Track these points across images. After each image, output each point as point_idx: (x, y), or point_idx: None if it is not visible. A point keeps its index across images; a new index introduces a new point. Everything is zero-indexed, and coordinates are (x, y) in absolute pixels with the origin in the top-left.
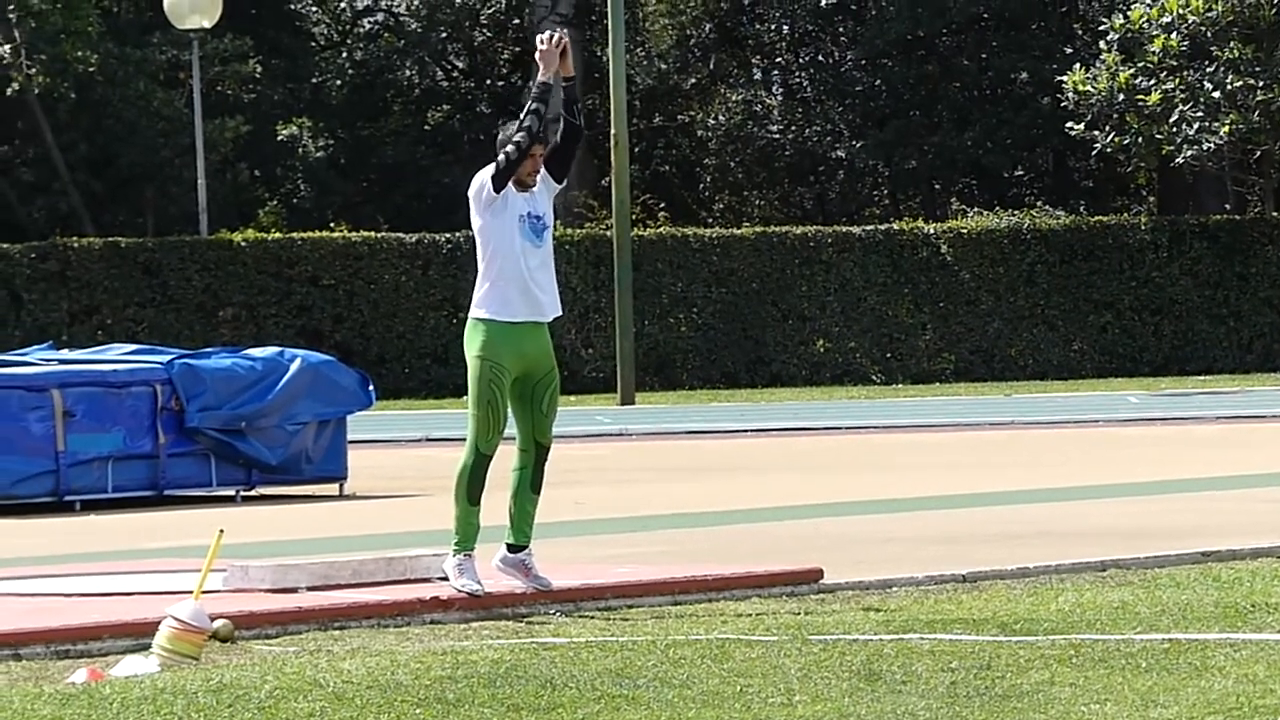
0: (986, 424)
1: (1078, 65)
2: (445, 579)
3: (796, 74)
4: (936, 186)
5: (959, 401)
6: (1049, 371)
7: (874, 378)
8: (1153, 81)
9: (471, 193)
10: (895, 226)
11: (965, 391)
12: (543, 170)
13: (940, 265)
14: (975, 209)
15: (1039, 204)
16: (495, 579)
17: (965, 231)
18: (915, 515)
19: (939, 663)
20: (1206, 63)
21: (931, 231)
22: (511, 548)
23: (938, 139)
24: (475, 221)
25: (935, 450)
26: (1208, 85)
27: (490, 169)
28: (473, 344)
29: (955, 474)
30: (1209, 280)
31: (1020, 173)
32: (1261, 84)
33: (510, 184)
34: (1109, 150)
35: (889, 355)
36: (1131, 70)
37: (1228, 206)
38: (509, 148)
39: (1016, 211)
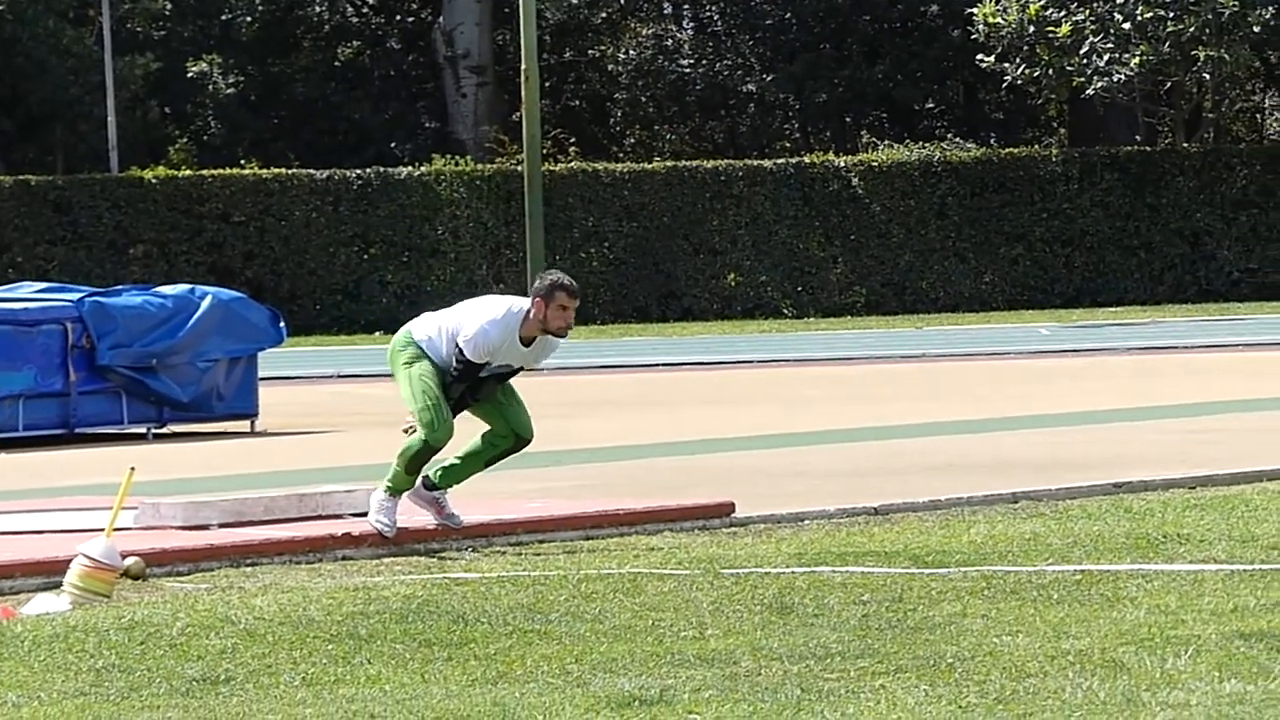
0: (898, 357)
1: None
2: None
3: (707, 8)
4: (847, 120)
5: (870, 334)
6: (960, 304)
7: (785, 311)
8: (1063, 13)
9: (466, 317)
10: (806, 160)
11: (877, 324)
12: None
13: (851, 198)
14: (886, 142)
15: (950, 136)
16: (408, 512)
17: (876, 164)
18: (827, 449)
19: (851, 595)
20: None
21: (842, 165)
22: (429, 484)
23: (848, 72)
24: (459, 318)
25: (847, 383)
26: (1118, 16)
27: (479, 323)
28: (401, 356)
29: (867, 407)
30: (1120, 212)
31: (931, 105)
32: (1172, 15)
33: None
34: (1019, 82)
35: (800, 289)
36: (1042, 2)
37: (1138, 138)
38: (457, 371)
39: (927, 144)
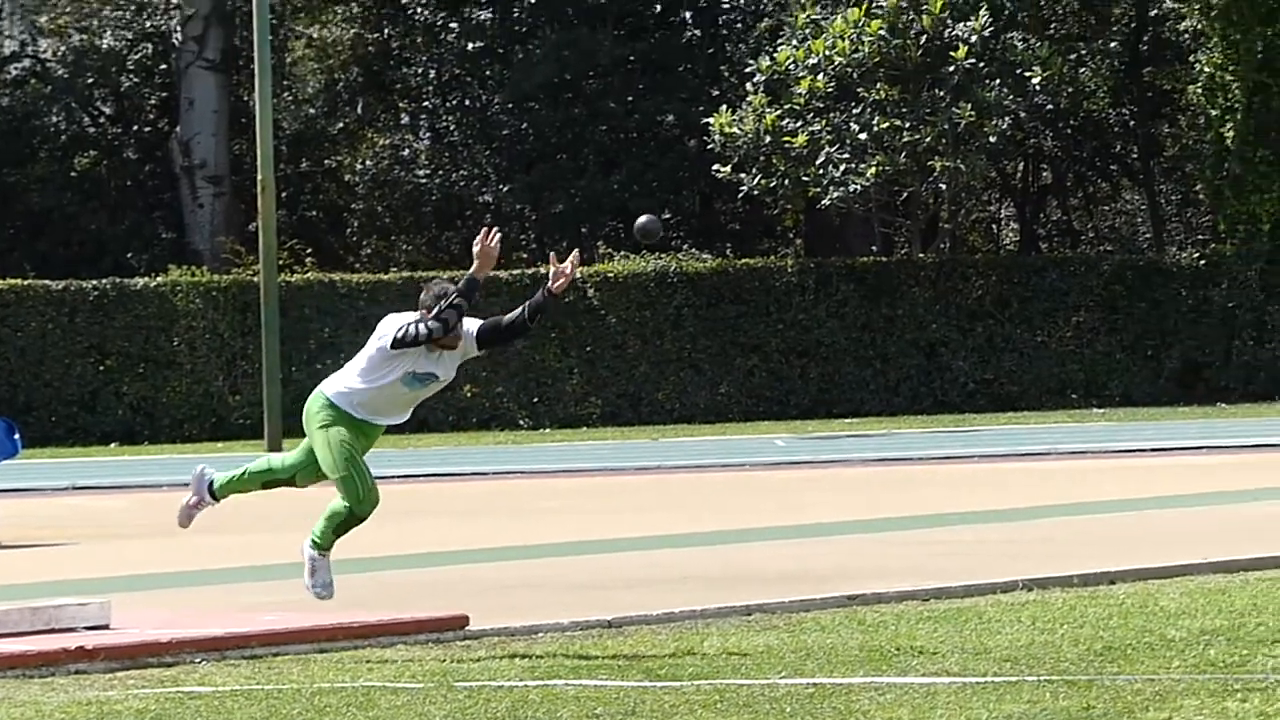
0: (633, 468)
1: (724, 107)
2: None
3: (444, 118)
4: (584, 230)
5: (606, 446)
6: (696, 415)
7: (521, 422)
8: (799, 123)
9: (380, 330)
10: (542, 270)
11: (612, 436)
12: (471, 333)
13: (587, 309)
14: (622, 253)
15: (686, 247)
16: (141, 625)
17: (612, 275)
18: (562, 560)
19: (583, 709)
20: (853, 104)
21: (578, 275)
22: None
23: (584, 182)
24: (373, 341)
25: (582, 495)
26: (854, 127)
27: (399, 322)
28: (316, 418)
29: (602, 519)
30: (856, 322)
31: (667, 215)
32: (907, 125)
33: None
34: (756, 192)
35: (536, 400)
36: (778, 112)
37: (874, 248)
38: (421, 333)
39: (663, 255)
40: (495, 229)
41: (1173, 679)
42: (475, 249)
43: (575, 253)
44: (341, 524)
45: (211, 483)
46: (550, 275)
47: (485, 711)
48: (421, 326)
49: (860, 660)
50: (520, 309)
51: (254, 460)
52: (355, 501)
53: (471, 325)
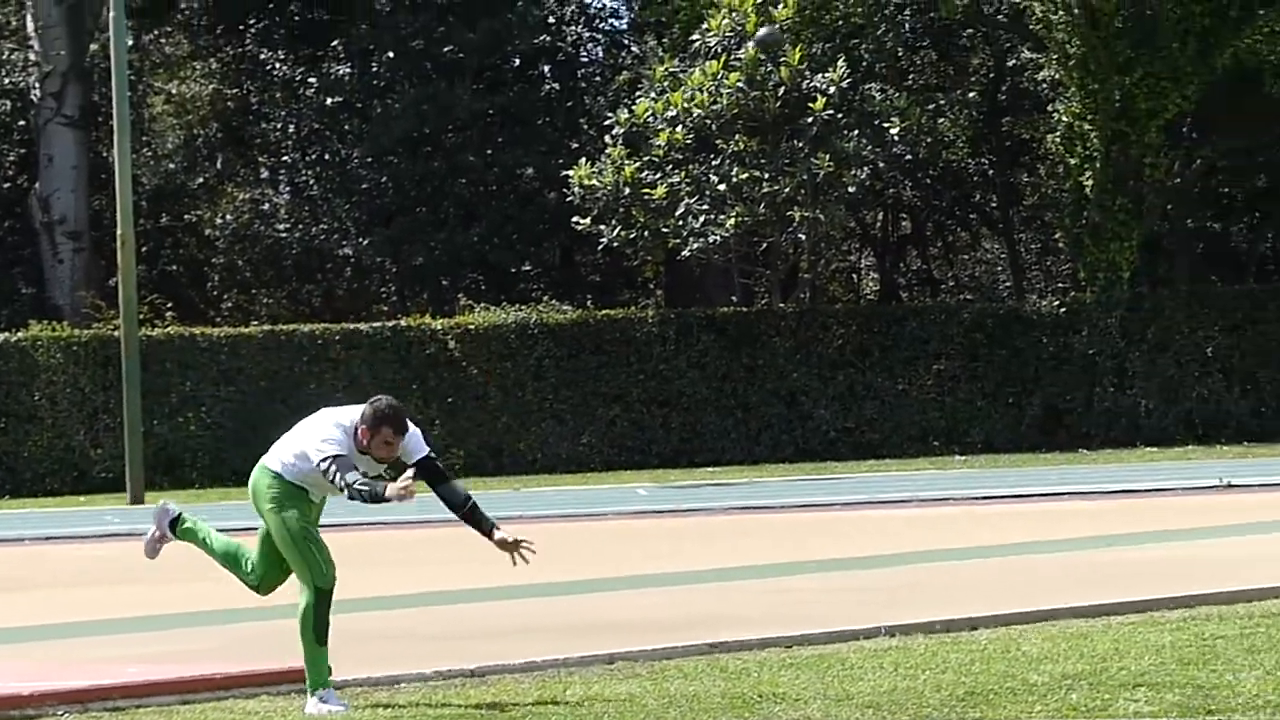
0: (494, 518)
1: (584, 160)
2: None
3: (304, 173)
4: (444, 282)
5: None
6: (558, 465)
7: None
8: (658, 175)
9: (316, 433)
10: (403, 323)
11: (474, 486)
12: (413, 455)
13: (448, 361)
14: (483, 304)
15: (546, 298)
16: (4, 677)
17: (473, 327)
18: (423, 610)
19: None
20: (712, 156)
21: (439, 328)
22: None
23: (444, 235)
24: (309, 438)
25: (439, 545)
26: (713, 178)
27: (331, 439)
28: (265, 495)
29: (462, 569)
30: (717, 372)
31: (528, 267)
32: (767, 176)
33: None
34: (615, 244)
35: None
36: (637, 164)
37: (735, 298)
38: (340, 486)
39: (524, 306)
40: (413, 485)
41: None
42: (397, 491)
43: (521, 554)
44: (316, 619)
45: (175, 520)
46: (499, 542)
47: None
48: (341, 482)
49: (723, 707)
50: (473, 514)
51: (219, 533)
52: (320, 575)
53: (417, 449)
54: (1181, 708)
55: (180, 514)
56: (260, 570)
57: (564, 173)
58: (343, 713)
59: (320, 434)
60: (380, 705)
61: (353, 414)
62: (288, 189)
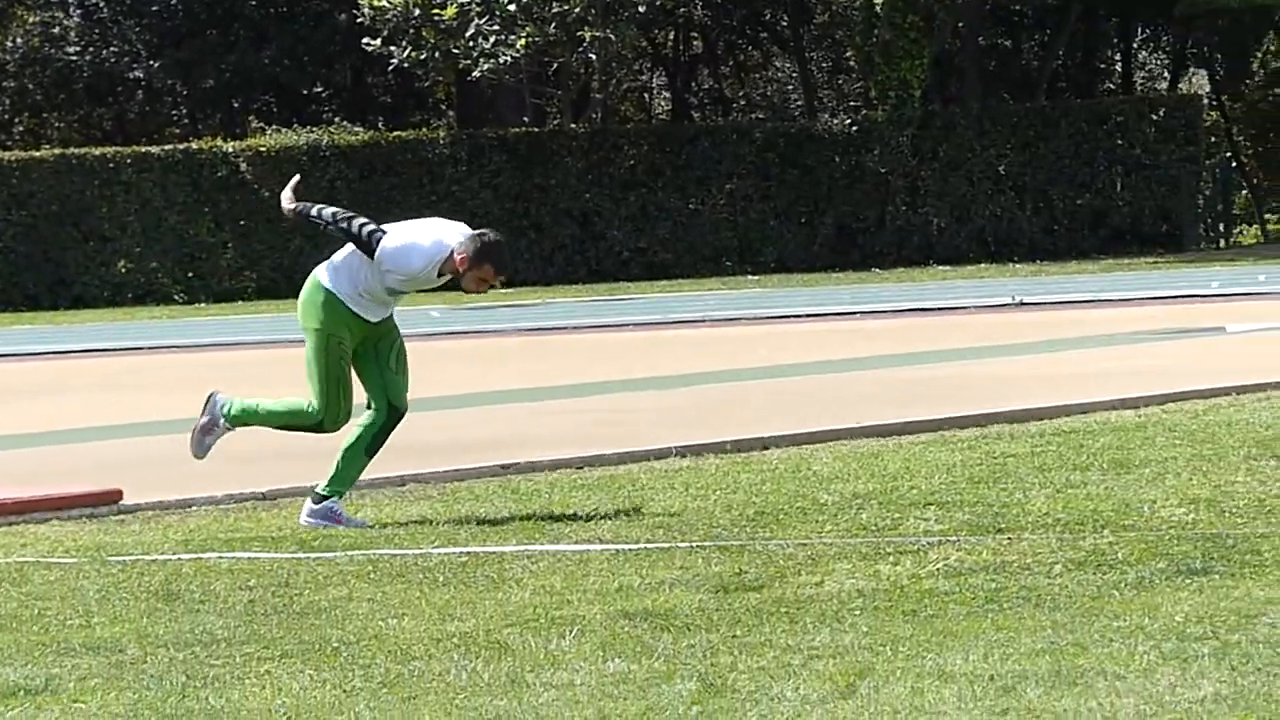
0: (288, 341)
1: None
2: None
3: None
4: (235, 105)
5: (261, 320)
6: None
7: (177, 297)
8: None
9: (416, 268)
10: (195, 146)
11: (268, 309)
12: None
13: (240, 184)
14: (274, 126)
15: (338, 120)
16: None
17: (264, 149)
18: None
19: (237, 580)
20: None
21: (231, 150)
22: (318, 497)
23: (235, 57)
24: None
25: (234, 367)
26: None
27: (415, 262)
28: (314, 314)
29: (256, 391)
30: (509, 193)
31: (319, 89)
32: None
33: (442, 275)
34: (406, 65)
35: (191, 275)
36: None
37: (526, 119)
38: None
39: (316, 128)
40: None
41: (825, 543)
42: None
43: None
44: (300, 424)
45: (317, 500)
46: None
47: (139, 585)
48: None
49: (514, 529)
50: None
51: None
52: (331, 419)
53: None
54: (971, 526)
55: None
56: (376, 396)
57: None
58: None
59: (411, 237)
60: (171, 529)
61: (455, 233)
62: (78, 11)
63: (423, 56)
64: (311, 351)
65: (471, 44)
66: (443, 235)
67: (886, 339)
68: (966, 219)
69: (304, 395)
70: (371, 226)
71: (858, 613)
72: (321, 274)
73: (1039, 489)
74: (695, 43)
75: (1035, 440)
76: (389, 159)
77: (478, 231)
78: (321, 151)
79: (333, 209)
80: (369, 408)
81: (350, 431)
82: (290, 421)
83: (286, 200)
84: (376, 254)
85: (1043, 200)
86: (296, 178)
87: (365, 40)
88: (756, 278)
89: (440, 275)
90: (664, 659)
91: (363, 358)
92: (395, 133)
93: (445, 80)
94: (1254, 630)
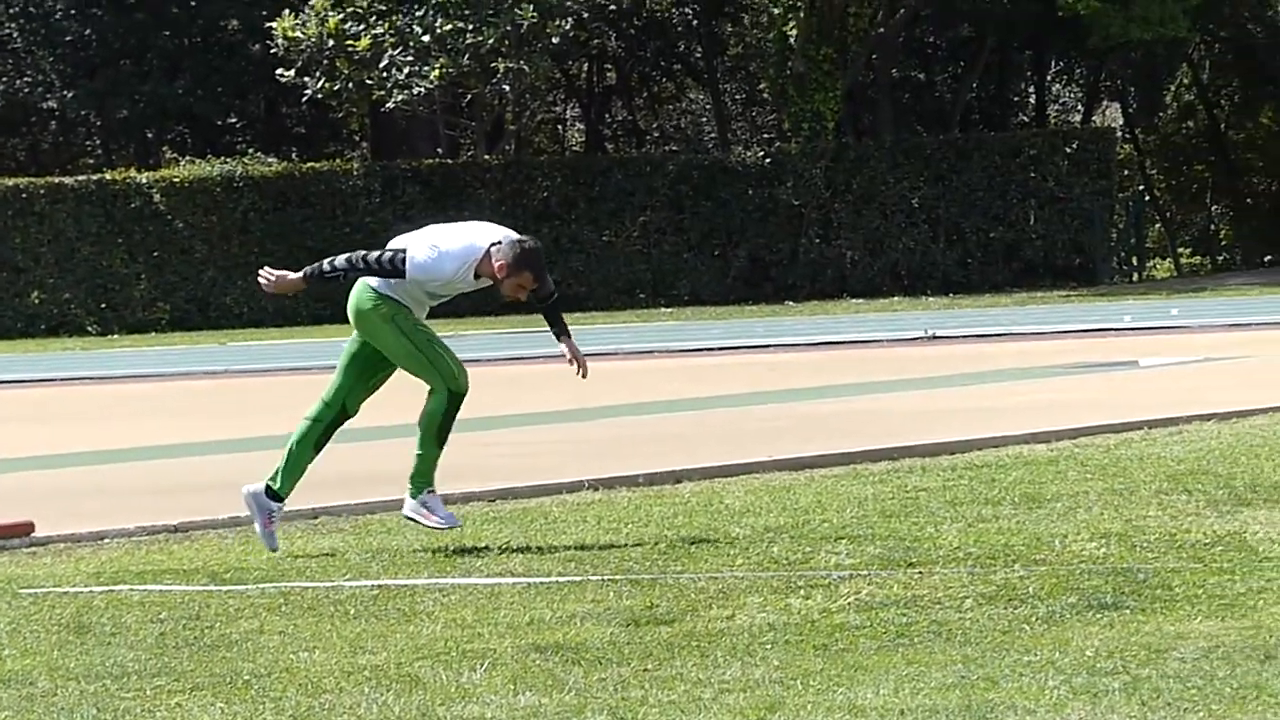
0: (200, 373)
1: (287, 11)
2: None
3: (6, 25)
4: (149, 135)
5: (174, 351)
6: (265, 319)
7: (90, 329)
8: (362, 26)
9: (449, 272)
10: (108, 177)
11: (181, 341)
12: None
13: (154, 214)
14: (188, 158)
15: (252, 151)
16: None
17: (178, 180)
18: (128, 466)
19: (149, 613)
20: (416, 6)
21: (144, 181)
22: (271, 492)
23: (149, 88)
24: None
25: (149, 400)
26: (417, 29)
27: (446, 265)
28: (367, 305)
29: (169, 423)
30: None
31: (233, 120)
32: (471, 27)
33: (479, 278)
34: (320, 96)
35: (104, 305)
36: (341, 16)
37: (440, 151)
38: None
39: (230, 159)
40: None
41: (736, 576)
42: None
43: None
44: (443, 421)
45: (266, 489)
46: (567, 350)
47: (50, 618)
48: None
49: (425, 561)
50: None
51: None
52: (450, 378)
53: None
54: (883, 560)
55: (265, 485)
56: (340, 384)
57: (268, 24)
58: (454, 525)
59: (440, 242)
60: (83, 561)
61: (490, 235)
62: None
63: (336, 87)
64: (393, 343)
65: (385, 75)
66: (473, 238)
67: (799, 372)
68: (880, 252)
69: (311, 405)
70: (389, 253)
71: (769, 646)
72: (365, 283)
73: (950, 523)
74: (609, 74)
75: (947, 474)
76: (303, 190)
77: (518, 238)
78: (235, 182)
79: (341, 257)
80: (323, 401)
81: (298, 425)
82: (432, 422)
83: (292, 276)
84: (407, 273)
85: (956, 233)
86: (275, 274)
87: (279, 71)
88: (670, 310)
89: (477, 278)
90: (575, 692)
91: (360, 357)
92: (309, 164)
93: (359, 111)
94: (1164, 665)
